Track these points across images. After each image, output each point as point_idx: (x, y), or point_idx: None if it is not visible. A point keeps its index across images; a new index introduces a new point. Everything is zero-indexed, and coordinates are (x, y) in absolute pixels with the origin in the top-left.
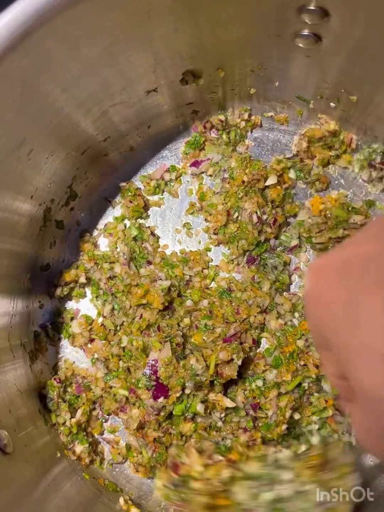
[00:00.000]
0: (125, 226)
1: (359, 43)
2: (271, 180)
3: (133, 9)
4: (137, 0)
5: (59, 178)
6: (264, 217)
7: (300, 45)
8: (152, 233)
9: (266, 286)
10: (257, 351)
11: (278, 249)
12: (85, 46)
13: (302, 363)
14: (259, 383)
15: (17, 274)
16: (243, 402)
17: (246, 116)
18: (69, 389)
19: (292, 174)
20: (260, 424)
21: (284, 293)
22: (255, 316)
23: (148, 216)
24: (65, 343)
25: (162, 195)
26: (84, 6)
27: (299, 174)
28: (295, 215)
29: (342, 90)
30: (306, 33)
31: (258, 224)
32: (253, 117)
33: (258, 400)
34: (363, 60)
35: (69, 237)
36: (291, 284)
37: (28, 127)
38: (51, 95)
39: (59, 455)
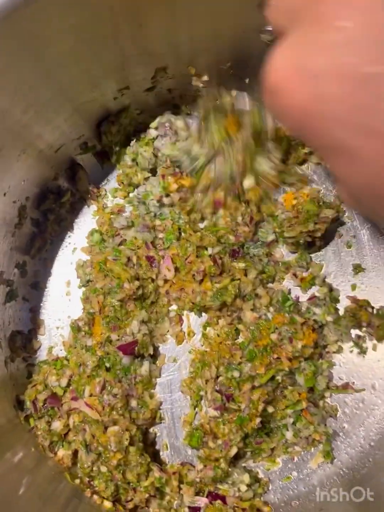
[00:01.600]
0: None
1: None
2: (248, 182)
3: (95, 6)
4: None
5: (33, 176)
6: (239, 219)
7: (266, 40)
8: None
9: (252, 274)
10: (235, 340)
11: (258, 243)
12: (48, 45)
13: (276, 356)
14: (236, 374)
15: None
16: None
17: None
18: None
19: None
20: (234, 418)
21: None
22: (233, 299)
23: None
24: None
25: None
26: (45, 4)
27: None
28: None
29: None
30: (270, 28)
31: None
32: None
33: (233, 392)
34: None
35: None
36: (278, 278)
37: None
38: (17, 93)
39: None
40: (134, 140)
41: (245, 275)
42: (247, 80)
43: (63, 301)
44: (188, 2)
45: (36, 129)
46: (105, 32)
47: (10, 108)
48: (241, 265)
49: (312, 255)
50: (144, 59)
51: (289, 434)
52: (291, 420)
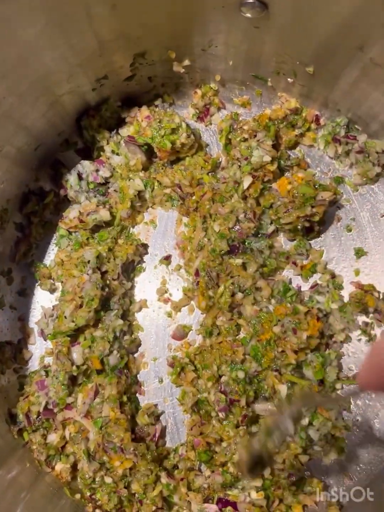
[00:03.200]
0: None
1: (308, 8)
2: (247, 182)
3: None
4: None
5: (13, 178)
6: (241, 216)
7: (247, 15)
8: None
9: (251, 268)
10: (236, 337)
11: (258, 235)
12: (19, 27)
13: (280, 350)
14: (240, 374)
15: None
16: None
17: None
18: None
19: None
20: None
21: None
22: (233, 296)
23: None
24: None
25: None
26: None
27: (281, 163)
28: (271, 205)
29: (297, 62)
30: (251, 1)
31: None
32: (214, 98)
33: (239, 395)
34: (315, 27)
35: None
36: (278, 269)
37: None
38: None
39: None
40: (115, 131)
41: (244, 270)
42: (230, 62)
43: (52, 306)
44: None
45: (12, 125)
46: (77, 12)
47: None
48: (239, 261)
49: (312, 242)
50: (121, 44)
51: (313, 433)
52: (306, 419)
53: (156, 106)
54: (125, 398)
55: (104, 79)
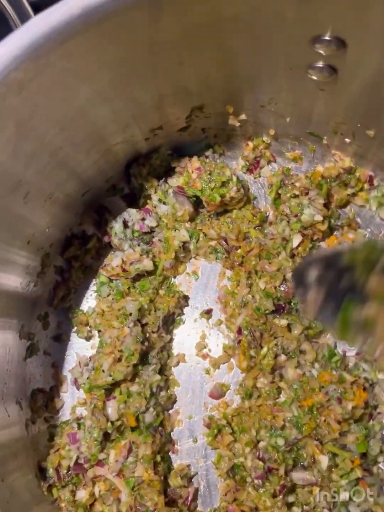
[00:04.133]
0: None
1: (377, 75)
2: (296, 240)
3: (134, 43)
4: (139, 34)
5: (59, 222)
6: (288, 275)
7: (314, 77)
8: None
9: (297, 330)
10: (276, 400)
11: None
12: (83, 83)
13: (323, 418)
14: (280, 441)
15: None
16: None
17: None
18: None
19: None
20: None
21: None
22: (275, 358)
23: None
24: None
25: None
26: (81, 40)
27: (331, 222)
28: None
29: (358, 125)
30: (320, 65)
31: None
32: (265, 151)
33: (278, 464)
34: (381, 93)
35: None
36: (323, 332)
37: (23, 169)
38: (47, 134)
39: None
40: (164, 180)
41: (289, 331)
42: (288, 119)
43: (87, 354)
44: (231, 37)
45: (64, 173)
46: (143, 70)
47: (38, 150)
48: (284, 322)
49: None
50: (181, 98)
51: (353, 510)
52: (346, 493)
53: (207, 157)
54: (158, 458)
55: (159, 129)
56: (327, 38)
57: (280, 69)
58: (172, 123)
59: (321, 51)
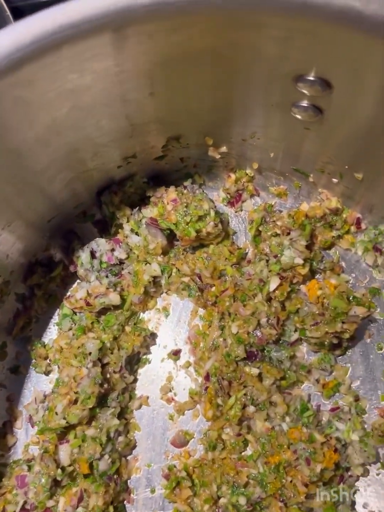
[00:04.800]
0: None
1: (366, 119)
2: (274, 283)
3: (98, 70)
4: (103, 61)
5: (21, 248)
6: (263, 320)
7: (298, 116)
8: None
9: (268, 380)
10: (242, 453)
11: (280, 342)
12: (41, 110)
13: (290, 479)
14: (242, 500)
15: None
16: None
17: (243, 181)
18: None
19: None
20: None
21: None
22: (244, 408)
23: None
24: None
25: None
26: (35, 68)
27: (313, 265)
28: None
29: (346, 166)
30: (305, 105)
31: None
32: (248, 184)
33: None
34: (371, 137)
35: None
36: (297, 383)
37: None
38: (5, 161)
39: None
40: (137, 209)
41: (260, 381)
42: (271, 155)
43: (46, 389)
44: (205, 70)
45: (25, 200)
46: (109, 100)
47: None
48: (255, 371)
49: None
50: (154, 127)
51: None
52: None
53: (185, 187)
54: (111, 509)
55: (132, 157)
56: (310, 78)
57: (261, 105)
58: (147, 151)
59: (304, 91)
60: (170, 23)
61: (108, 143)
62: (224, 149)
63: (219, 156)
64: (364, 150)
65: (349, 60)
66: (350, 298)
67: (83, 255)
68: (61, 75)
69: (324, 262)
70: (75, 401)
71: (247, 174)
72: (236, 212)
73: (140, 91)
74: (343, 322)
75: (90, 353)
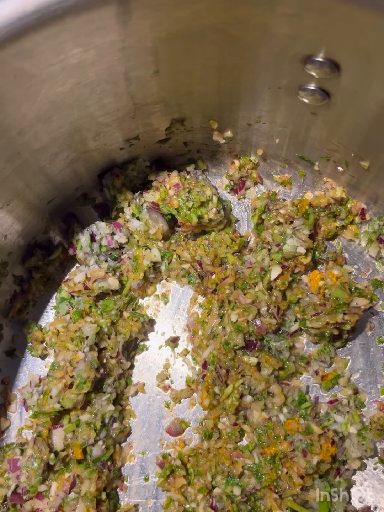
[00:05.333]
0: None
1: (374, 105)
2: (275, 272)
3: (103, 45)
4: (108, 36)
5: (19, 229)
6: (263, 309)
7: (305, 100)
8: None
9: (267, 370)
10: (237, 443)
11: (279, 332)
12: (45, 85)
13: (285, 470)
14: (236, 491)
15: None
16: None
17: (247, 168)
18: None
19: (307, 258)
20: None
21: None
22: (241, 398)
23: None
24: None
25: None
26: (38, 39)
27: (316, 255)
28: (299, 301)
29: (352, 154)
30: (312, 88)
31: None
32: (252, 172)
33: None
34: (379, 123)
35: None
36: (295, 374)
37: None
38: (3, 138)
39: None
40: (139, 193)
41: (258, 370)
42: (277, 140)
43: (41, 373)
44: (211, 49)
45: (23, 180)
46: (113, 77)
47: None
48: (253, 360)
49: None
50: (158, 109)
51: None
52: None
53: (188, 172)
54: (103, 496)
55: (135, 139)
56: (319, 59)
57: (267, 87)
58: (150, 134)
59: (313, 73)
60: None
61: (111, 122)
62: (228, 133)
63: (224, 141)
64: (372, 137)
65: (360, 41)
66: (352, 289)
67: (83, 238)
68: (65, 48)
69: (326, 252)
70: (70, 386)
71: (251, 161)
72: (239, 199)
73: (144, 69)
74: (344, 313)
75: (87, 337)
